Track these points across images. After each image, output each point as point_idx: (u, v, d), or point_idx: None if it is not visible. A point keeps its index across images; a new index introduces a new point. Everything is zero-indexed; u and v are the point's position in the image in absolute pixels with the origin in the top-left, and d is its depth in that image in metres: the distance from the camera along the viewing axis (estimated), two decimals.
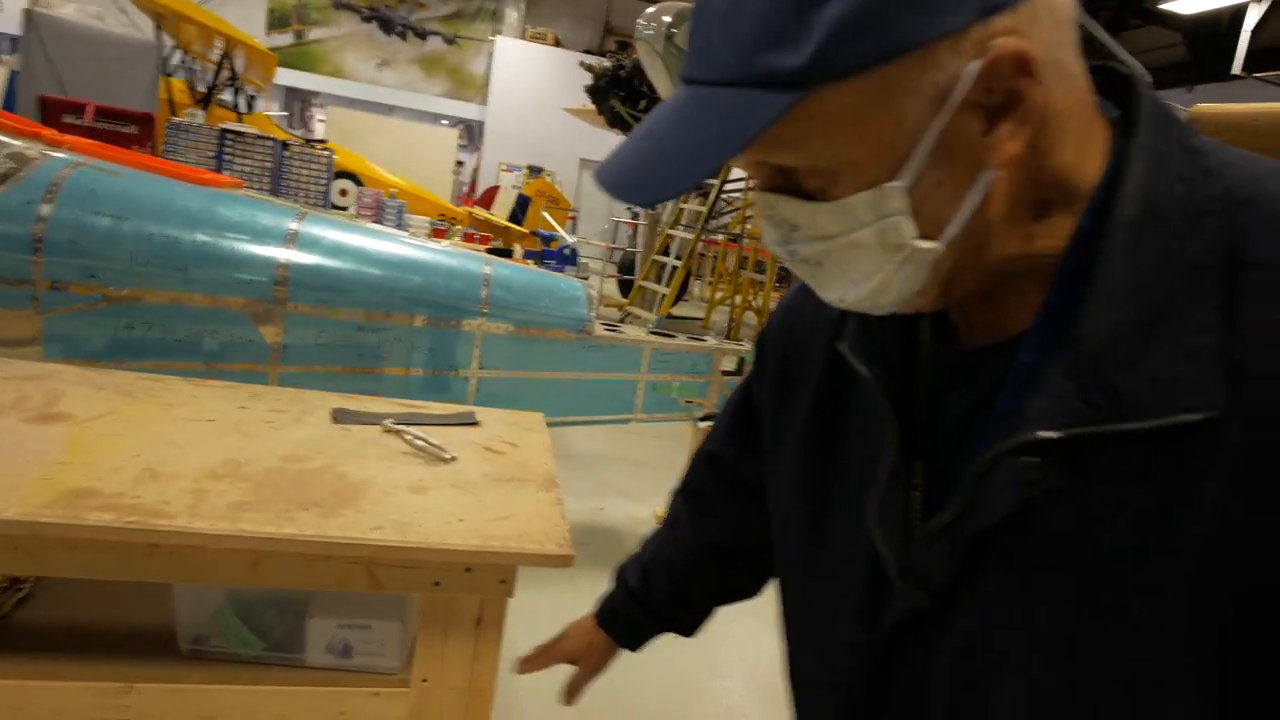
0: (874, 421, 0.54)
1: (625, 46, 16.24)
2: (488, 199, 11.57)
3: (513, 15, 15.81)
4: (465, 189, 14.44)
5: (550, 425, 2.81)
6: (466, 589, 1.03)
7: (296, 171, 5.08)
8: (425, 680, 1.10)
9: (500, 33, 15.64)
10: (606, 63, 8.61)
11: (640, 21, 5.87)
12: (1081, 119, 0.45)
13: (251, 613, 1.18)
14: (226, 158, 4.85)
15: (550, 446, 1.40)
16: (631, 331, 2.87)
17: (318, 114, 14.83)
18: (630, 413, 2.88)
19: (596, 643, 0.93)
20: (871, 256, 0.45)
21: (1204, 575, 0.38)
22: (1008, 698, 0.44)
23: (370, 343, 2.48)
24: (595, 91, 8.61)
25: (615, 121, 8.88)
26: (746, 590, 0.89)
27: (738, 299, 8.71)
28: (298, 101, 15.26)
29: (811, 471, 0.61)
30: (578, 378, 2.76)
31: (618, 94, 8.44)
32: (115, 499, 0.95)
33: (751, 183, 0.49)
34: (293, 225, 2.40)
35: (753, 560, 0.83)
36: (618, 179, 0.45)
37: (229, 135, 4.88)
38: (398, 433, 1.31)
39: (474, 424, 1.44)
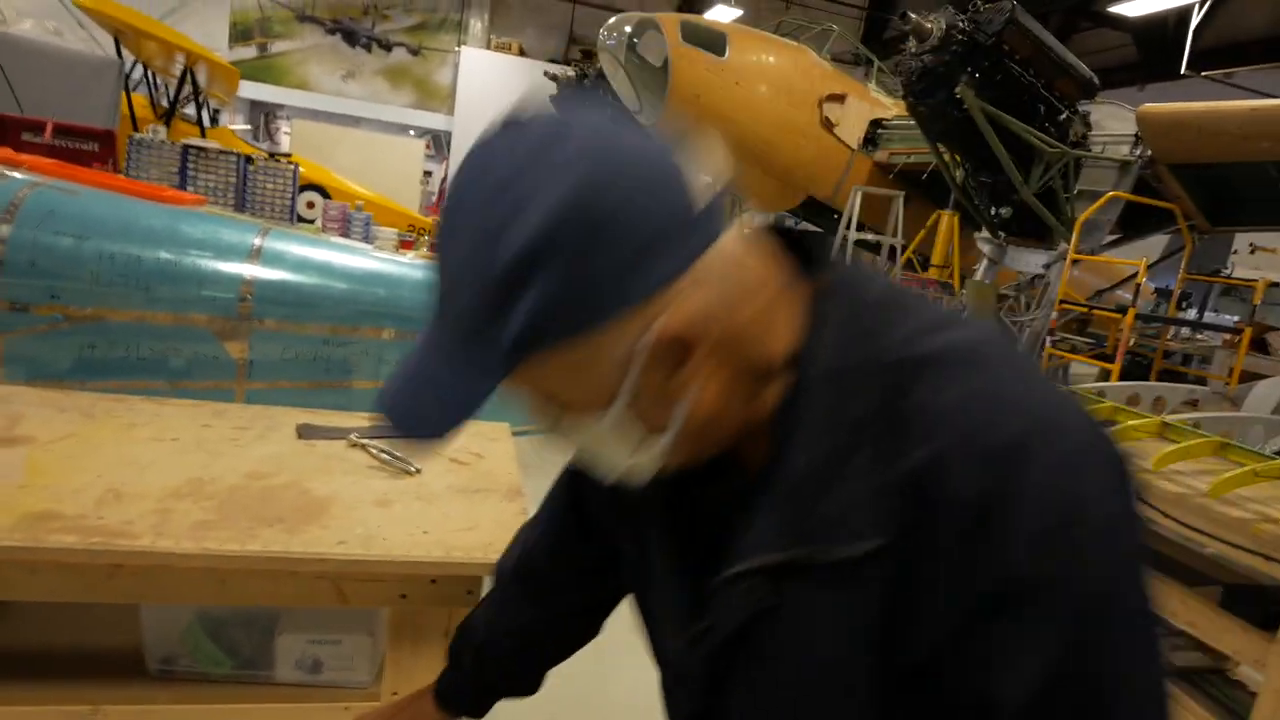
0: (637, 522, 0.64)
1: (589, 55, 16.32)
2: None
3: (477, 25, 15.80)
4: (434, 199, 14.38)
5: (516, 435, 2.83)
6: (434, 601, 1.05)
7: (261, 185, 5.04)
8: (395, 693, 1.11)
9: (465, 43, 15.63)
10: (571, 72, 8.66)
11: (602, 32, 5.92)
12: (770, 314, 0.52)
13: (220, 631, 1.18)
14: (190, 173, 4.79)
15: (515, 455, 1.42)
16: None
17: (283, 127, 14.69)
18: None
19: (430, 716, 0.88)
20: (616, 450, 0.53)
21: (876, 666, 0.48)
22: None
23: (337, 357, 2.48)
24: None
25: None
26: (582, 642, 0.90)
27: None
28: (262, 115, 15.11)
29: (629, 555, 0.69)
30: None
31: None
32: (78, 521, 0.96)
33: None
34: (256, 241, 2.39)
35: (589, 616, 0.88)
36: (389, 413, 0.52)
37: (191, 151, 4.83)
38: (363, 447, 1.33)
39: None
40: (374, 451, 1.31)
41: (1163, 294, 7.06)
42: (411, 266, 2.67)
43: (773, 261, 0.54)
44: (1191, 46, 11.00)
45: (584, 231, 0.44)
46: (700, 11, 14.56)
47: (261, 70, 14.40)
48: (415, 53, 15.54)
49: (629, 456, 0.54)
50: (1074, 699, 0.44)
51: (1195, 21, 10.82)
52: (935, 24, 4.68)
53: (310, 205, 7.07)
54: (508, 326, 0.46)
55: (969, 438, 0.44)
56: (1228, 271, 9.77)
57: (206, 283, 2.29)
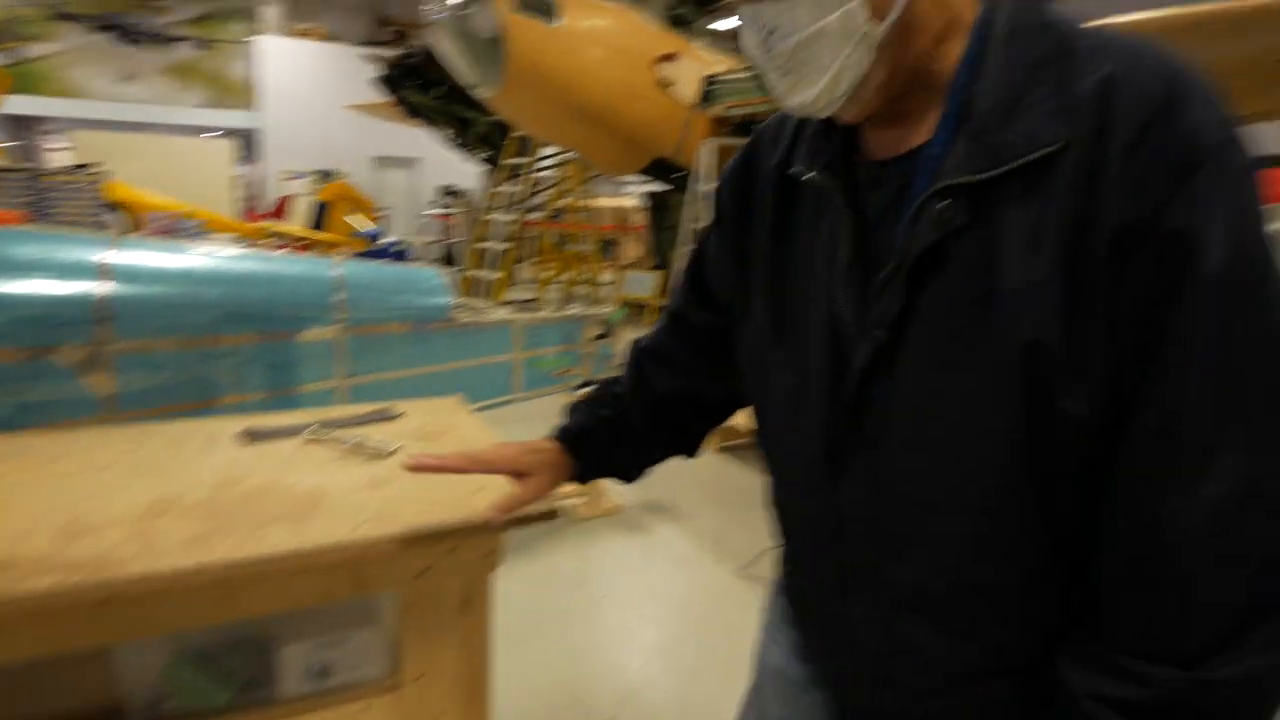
0: (823, 226, 0.70)
1: (403, 35, 15.53)
2: (279, 211, 10.72)
3: (270, 12, 14.55)
4: (249, 203, 13.26)
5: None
6: (456, 571, 1.01)
7: (60, 205, 4.44)
8: (420, 677, 1.07)
9: (259, 32, 14.38)
10: (395, 52, 8.22)
11: (429, 5, 5.65)
12: None
13: (208, 662, 1.08)
14: None
15: (481, 421, 1.38)
16: (498, 311, 2.83)
17: (53, 142, 12.91)
18: (510, 393, 2.86)
19: (550, 462, 0.91)
20: (833, 44, 0.60)
21: (1059, 253, 0.55)
22: (944, 393, 0.61)
23: (216, 370, 2.27)
24: (388, 82, 8.21)
25: (415, 112, 8.53)
26: (692, 441, 0.98)
27: (566, 275, 8.76)
28: (22, 130, 13.19)
29: (776, 281, 0.75)
30: (453, 368, 2.69)
31: (413, 83, 8.11)
32: (43, 562, 0.84)
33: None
34: (105, 256, 2.13)
35: (701, 410, 0.96)
36: None
37: None
38: (324, 440, 1.24)
39: (395, 417, 1.39)
40: (343, 440, 1.23)
41: None
42: (287, 262, 2.48)
43: None
44: None
45: None
46: None
47: (15, 80, 12.57)
48: (203, 46, 14.11)
49: (848, 46, 0.59)
50: (1255, 259, 0.53)
51: None
52: None
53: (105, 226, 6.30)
54: None
55: (1138, 61, 0.56)
56: None
57: (50, 309, 2.02)
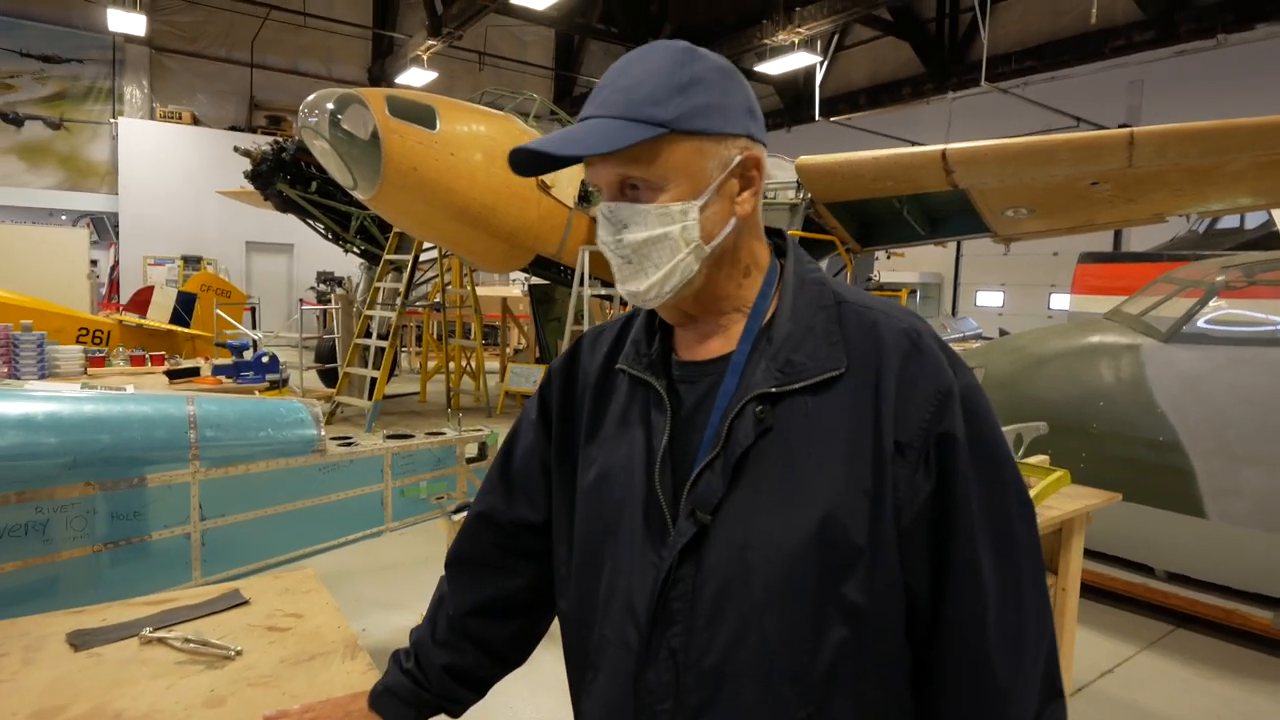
0: (638, 414, 0.83)
1: (277, 121, 15.32)
2: (141, 301, 10.09)
3: (135, 93, 14.03)
4: (104, 291, 12.41)
5: (296, 559, 2.63)
6: None
7: None
8: None
9: (122, 113, 13.79)
10: (265, 145, 8.08)
11: (302, 110, 5.66)
12: (761, 231, 0.85)
13: None
14: None
15: (335, 604, 1.38)
16: (368, 441, 2.80)
17: None
18: (381, 524, 2.81)
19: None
20: (670, 248, 0.77)
21: (845, 451, 0.74)
22: (757, 561, 0.73)
23: (52, 523, 2.13)
24: (257, 177, 8.03)
25: (287, 206, 8.36)
26: (514, 654, 1.01)
27: (451, 366, 8.67)
28: None
29: (595, 464, 0.86)
30: (320, 502, 2.63)
31: (284, 177, 7.97)
32: None
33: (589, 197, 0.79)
34: None
35: (518, 615, 0.99)
36: (543, 146, 0.75)
37: None
38: (160, 641, 1.21)
39: (244, 603, 1.37)
40: (176, 644, 1.20)
41: None
42: (136, 401, 2.38)
43: None
44: (819, 96, 13.34)
45: (727, 81, 0.79)
46: (392, 73, 14.40)
47: None
48: (57, 126, 13.36)
49: (682, 252, 0.77)
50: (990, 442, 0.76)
51: (820, 77, 13.17)
52: None
53: None
54: (672, 107, 0.75)
55: (890, 313, 0.79)
56: (876, 278, 12.07)
57: None
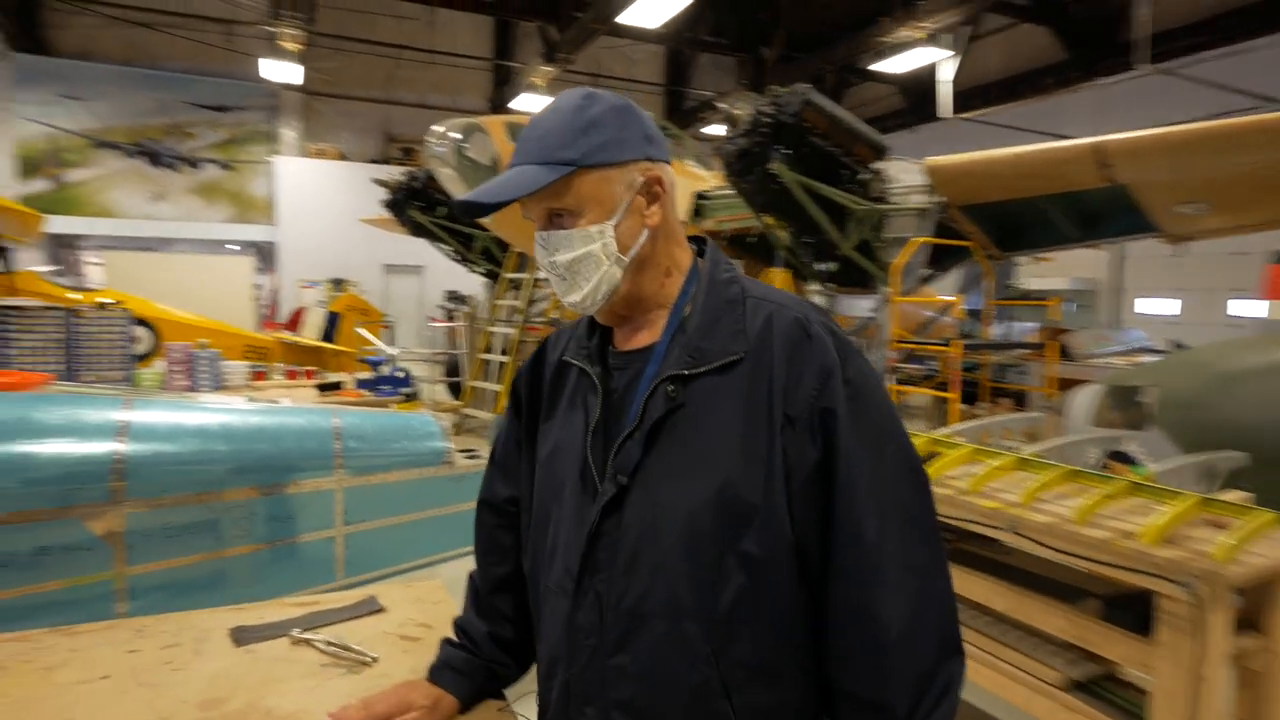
0: (580, 398, 0.97)
1: (410, 153, 16.37)
2: (295, 322, 11.06)
3: (289, 135, 15.45)
4: (266, 311, 13.68)
5: (429, 564, 2.78)
6: None
7: (93, 338, 4.66)
8: None
9: (279, 153, 15.22)
10: (400, 177, 8.66)
11: (429, 139, 6.02)
12: (681, 237, 1.00)
13: None
14: (8, 336, 4.35)
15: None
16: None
17: (89, 258, 13.50)
18: None
19: (433, 696, 1.08)
20: (594, 264, 0.92)
21: (743, 424, 0.87)
22: (665, 517, 0.87)
23: (222, 523, 2.36)
24: (393, 206, 8.62)
25: (419, 231, 8.91)
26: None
27: None
28: (63, 249, 13.82)
29: (551, 440, 1.01)
30: (448, 511, 2.77)
31: (416, 205, 8.52)
32: None
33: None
34: (121, 415, 2.26)
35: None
36: (477, 197, 0.90)
37: (7, 311, 4.39)
38: (308, 642, 1.32)
39: (379, 610, 1.46)
40: (321, 646, 1.30)
41: (972, 314, 7.90)
42: (291, 414, 2.61)
43: None
44: (951, 91, 12.65)
45: (623, 117, 0.93)
46: (508, 99, 15.02)
47: (57, 203, 13.35)
48: (226, 167, 14.92)
49: (605, 265, 0.92)
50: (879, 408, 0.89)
51: (949, 73, 12.51)
52: (744, 110, 5.19)
53: (135, 340, 6.54)
54: (577, 148, 0.90)
55: (785, 305, 0.92)
56: (1017, 282, 11.11)
57: (74, 470, 2.13)
